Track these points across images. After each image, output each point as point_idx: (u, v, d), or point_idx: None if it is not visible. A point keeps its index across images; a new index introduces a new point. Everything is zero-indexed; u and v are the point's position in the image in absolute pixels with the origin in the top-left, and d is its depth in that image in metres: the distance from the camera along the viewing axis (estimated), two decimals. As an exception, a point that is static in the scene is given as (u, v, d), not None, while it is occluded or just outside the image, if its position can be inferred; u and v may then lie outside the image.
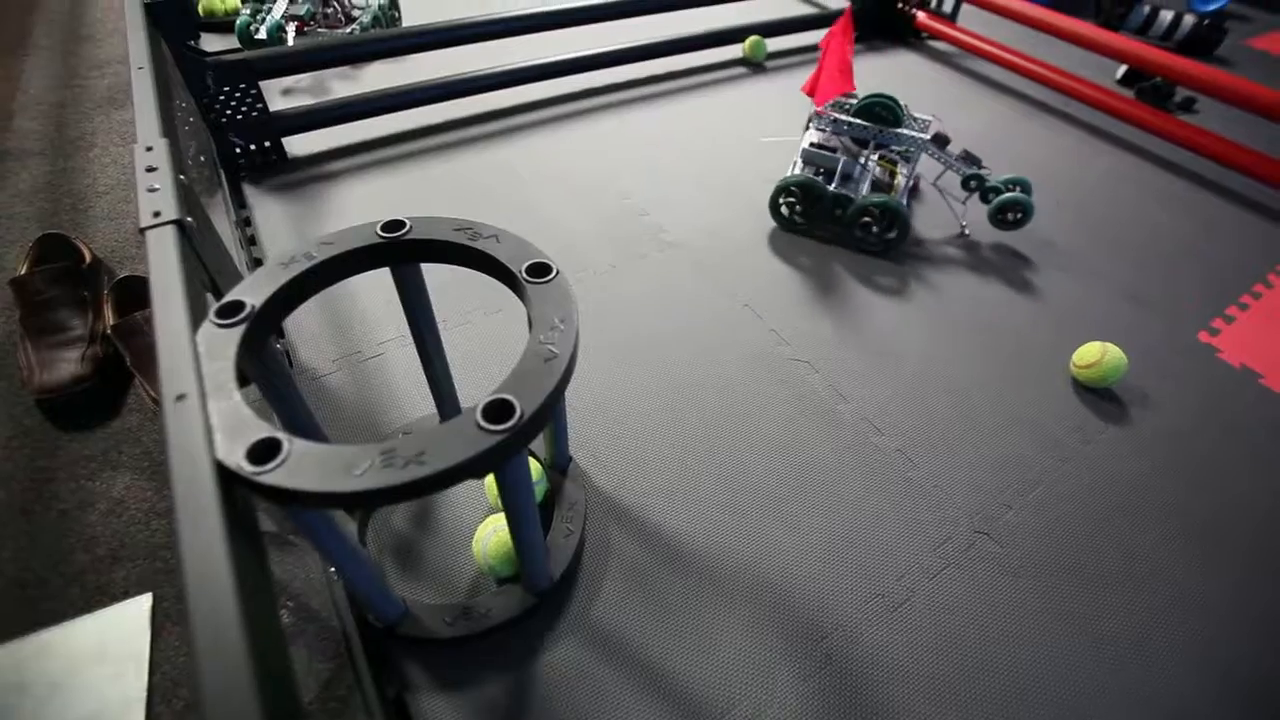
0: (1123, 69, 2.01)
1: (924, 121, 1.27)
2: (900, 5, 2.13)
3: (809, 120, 1.30)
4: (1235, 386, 1.08)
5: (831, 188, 1.22)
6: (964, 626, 0.76)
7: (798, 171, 1.27)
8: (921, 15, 2.11)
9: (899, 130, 1.20)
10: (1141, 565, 0.83)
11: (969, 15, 2.11)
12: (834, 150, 1.25)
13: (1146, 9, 2.30)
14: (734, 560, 0.80)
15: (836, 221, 1.25)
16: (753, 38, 1.94)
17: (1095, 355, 1.02)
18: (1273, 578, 0.83)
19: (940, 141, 1.25)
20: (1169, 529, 0.88)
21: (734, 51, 1.98)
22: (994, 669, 0.73)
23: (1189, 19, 2.24)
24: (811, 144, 1.27)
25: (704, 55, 1.94)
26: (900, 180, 1.26)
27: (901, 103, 1.23)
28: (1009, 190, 1.27)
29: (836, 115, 1.23)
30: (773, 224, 1.34)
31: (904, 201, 1.25)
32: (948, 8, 2.12)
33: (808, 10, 2.15)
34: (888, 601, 0.78)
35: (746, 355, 1.06)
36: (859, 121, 1.22)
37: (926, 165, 1.42)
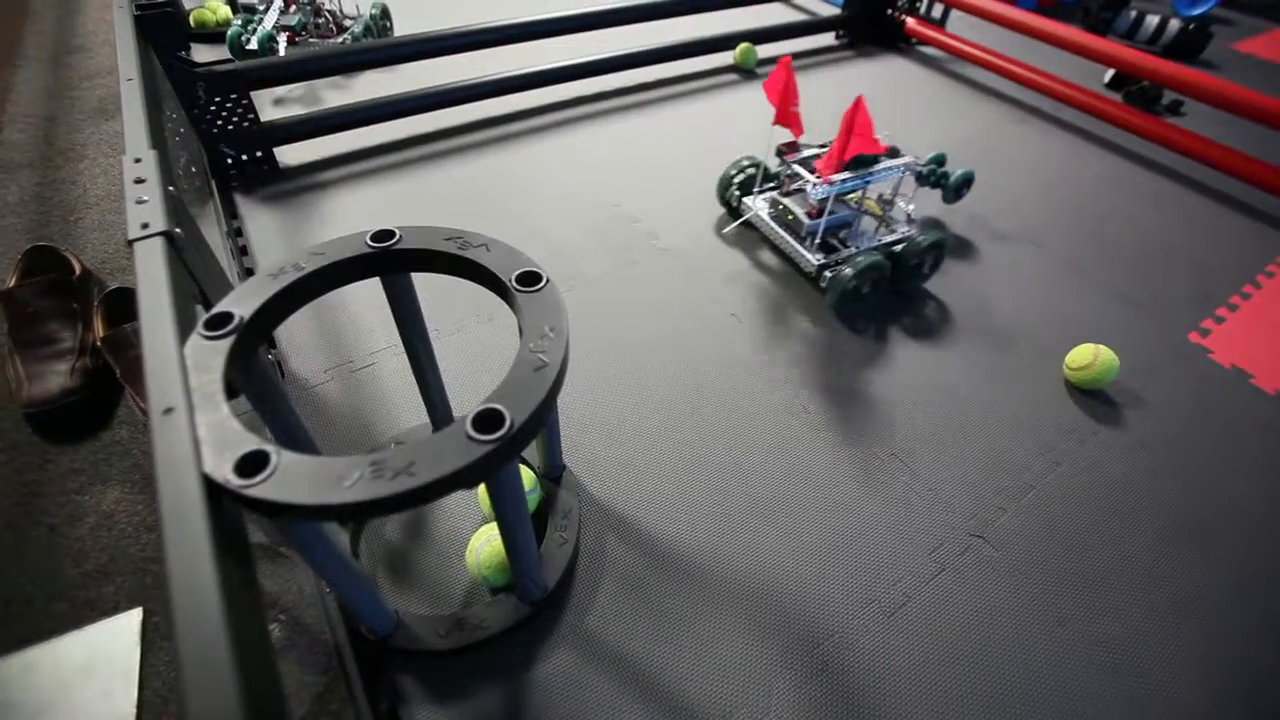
0: (1110, 73, 2.02)
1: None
2: (890, 11, 2.15)
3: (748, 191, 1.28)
4: (1227, 387, 1.09)
5: (863, 247, 1.18)
6: (960, 631, 0.76)
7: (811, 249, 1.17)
8: (911, 21, 2.13)
9: (888, 164, 1.16)
10: (1137, 567, 0.83)
11: (958, 21, 2.13)
12: (834, 213, 1.17)
13: (1133, 13, 2.33)
14: (729, 567, 0.80)
15: (890, 281, 1.17)
16: (743, 45, 1.95)
17: (1088, 357, 1.02)
18: (1269, 579, 0.83)
19: (895, 154, 1.19)
20: (1163, 530, 0.88)
21: (724, 59, 1.99)
22: (991, 673, 0.73)
23: (1175, 23, 2.26)
24: (809, 214, 1.17)
25: (695, 63, 1.95)
26: (878, 206, 1.23)
27: None
28: (944, 171, 1.34)
29: (836, 178, 1.11)
30: (765, 229, 1.34)
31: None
32: (937, 13, 2.14)
33: (798, 17, 2.17)
34: (883, 607, 0.78)
35: (739, 362, 1.06)
36: (851, 175, 1.13)
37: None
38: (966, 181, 1.35)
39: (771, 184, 1.33)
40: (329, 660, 0.69)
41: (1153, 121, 1.67)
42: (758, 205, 1.28)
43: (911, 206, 1.25)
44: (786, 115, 1.15)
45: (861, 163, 1.14)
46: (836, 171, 1.10)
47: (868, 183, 1.14)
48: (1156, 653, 0.76)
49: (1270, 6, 2.85)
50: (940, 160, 1.34)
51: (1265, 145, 1.58)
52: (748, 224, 1.33)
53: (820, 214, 1.16)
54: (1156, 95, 1.89)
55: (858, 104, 1.03)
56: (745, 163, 1.31)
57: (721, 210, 1.39)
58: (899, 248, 1.16)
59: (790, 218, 1.21)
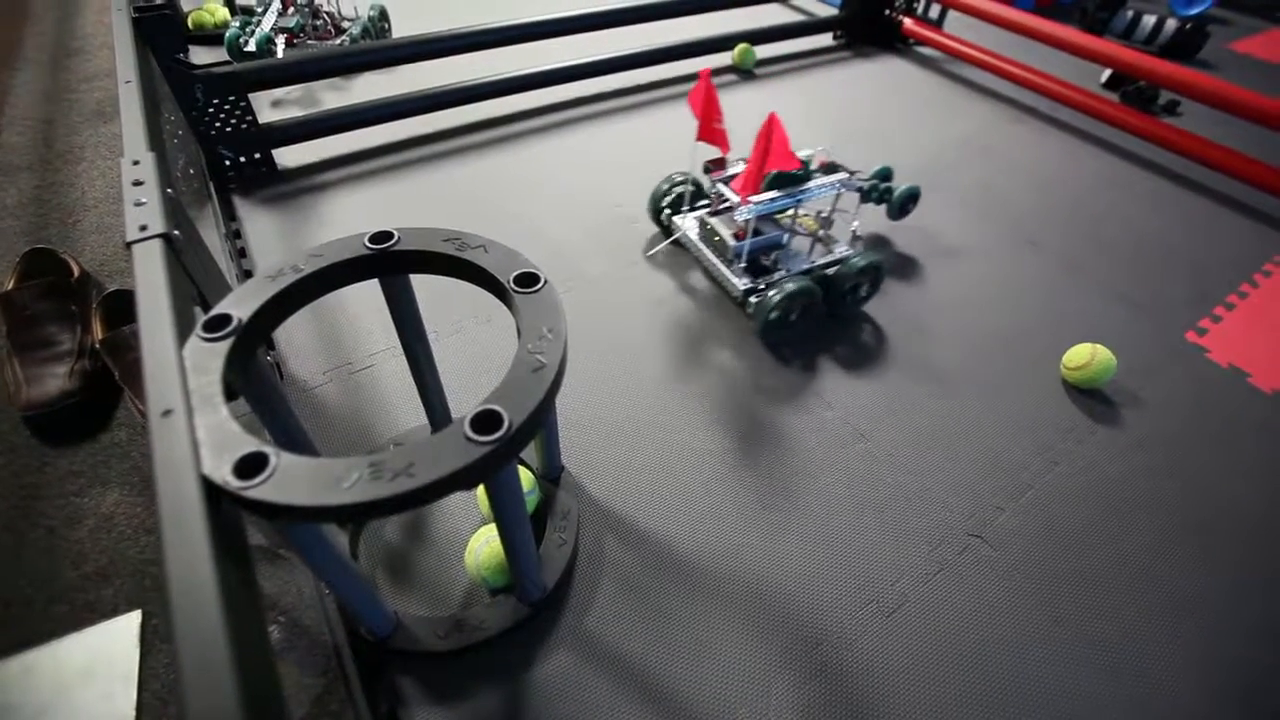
0: (1107, 73, 2.03)
1: (809, 156, 1.14)
2: (887, 11, 2.15)
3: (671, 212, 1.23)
4: (1224, 386, 1.09)
5: (792, 270, 1.11)
6: (958, 631, 0.76)
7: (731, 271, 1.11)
8: (908, 21, 2.13)
9: (819, 182, 1.09)
10: (1135, 566, 0.84)
11: (955, 21, 2.13)
12: (761, 233, 1.10)
13: (1130, 13, 2.33)
14: (728, 568, 0.80)
15: (826, 304, 1.11)
16: (741, 45, 1.95)
17: (1085, 357, 1.03)
18: (1267, 579, 0.84)
19: (832, 169, 1.14)
20: (1161, 529, 0.88)
21: (723, 59, 1.99)
22: (989, 673, 0.73)
23: (1171, 23, 2.27)
24: (735, 235, 1.11)
25: (693, 63, 1.94)
26: (816, 225, 1.18)
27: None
28: (887, 186, 1.27)
29: (762, 198, 1.05)
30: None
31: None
32: (934, 14, 2.14)
33: (797, 18, 2.17)
34: (882, 607, 0.78)
35: (733, 364, 1.06)
36: (781, 194, 1.07)
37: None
38: (912, 197, 1.29)
39: (704, 202, 1.26)
40: (328, 662, 0.69)
41: (1149, 121, 1.68)
42: (687, 225, 1.21)
43: (856, 224, 1.18)
44: (710, 131, 1.08)
45: (788, 181, 1.07)
46: (754, 192, 1.03)
47: (798, 201, 1.08)
48: (1154, 653, 0.76)
49: (1267, 6, 2.86)
50: (885, 175, 1.29)
51: (1262, 145, 1.59)
52: (679, 244, 1.26)
53: (747, 235, 1.09)
54: (1153, 95, 1.90)
55: (771, 121, 0.95)
56: (678, 178, 1.25)
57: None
58: (833, 270, 1.10)
59: (716, 239, 1.14)
